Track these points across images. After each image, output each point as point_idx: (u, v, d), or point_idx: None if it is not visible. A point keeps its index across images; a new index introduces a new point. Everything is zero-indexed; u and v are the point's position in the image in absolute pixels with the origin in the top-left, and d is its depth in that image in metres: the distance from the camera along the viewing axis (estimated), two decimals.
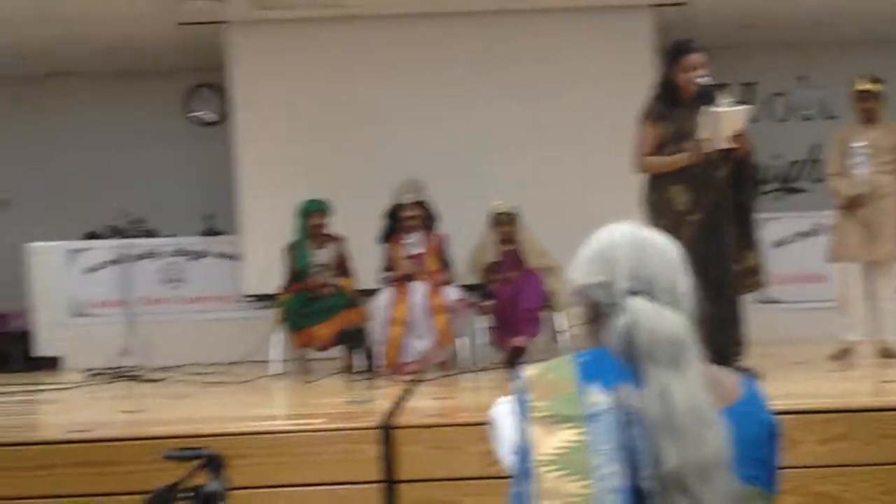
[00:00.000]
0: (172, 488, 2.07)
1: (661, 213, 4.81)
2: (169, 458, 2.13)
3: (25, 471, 3.99)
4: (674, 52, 4.89)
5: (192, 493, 2.09)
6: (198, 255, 7.65)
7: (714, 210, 4.75)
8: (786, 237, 7.37)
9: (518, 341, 6.19)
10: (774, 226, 7.14)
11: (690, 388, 1.65)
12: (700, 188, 4.76)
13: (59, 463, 4.01)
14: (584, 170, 7.19)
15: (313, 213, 6.46)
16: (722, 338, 4.58)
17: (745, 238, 4.93)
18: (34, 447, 4.08)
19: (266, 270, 6.92)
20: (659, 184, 4.90)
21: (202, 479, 2.13)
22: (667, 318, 1.70)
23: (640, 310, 1.70)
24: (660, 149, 4.88)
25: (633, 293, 1.73)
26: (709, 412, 1.65)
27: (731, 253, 4.80)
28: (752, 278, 4.98)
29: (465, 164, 7.24)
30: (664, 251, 1.79)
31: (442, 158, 7.18)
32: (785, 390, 4.46)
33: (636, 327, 1.69)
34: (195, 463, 2.14)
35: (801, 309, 7.14)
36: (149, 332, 7.15)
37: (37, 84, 8.42)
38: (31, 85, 8.43)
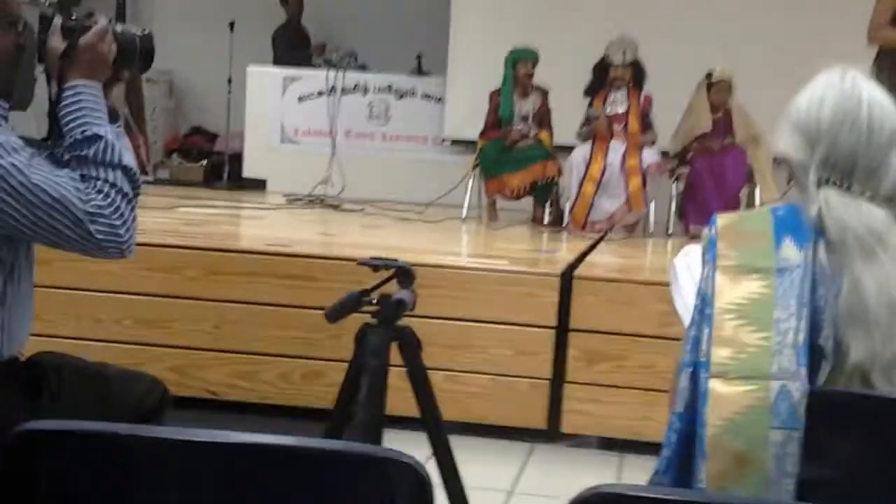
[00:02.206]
0: (364, 293, 2.18)
1: (884, 90, 4.54)
2: (363, 264, 2.23)
3: (228, 275, 4.28)
4: None
5: (381, 300, 2.20)
6: (404, 94, 7.76)
7: None
8: None
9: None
10: None
11: (884, 280, 1.60)
12: None
13: (258, 272, 4.27)
14: (808, 37, 6.79)
15: (522, 62, 6.41)
16: None
17: None
18: (238, 255, 4.35)
19: (468, 115, 6.97)
20: (889, 60, 4.62)
21: (392, 290, 2.23)
22: (859, 212, 1.63)
23: (831, 202, 1.64)
24: None
25: (826, 182, 1.66)
26: None
27: None
28: None
29: (682, 24, 6.99)
30: (875, 126, 1.67)
31: (659, 16, 6.95)
32: None
33: (825, 218, 1.63)
34: (387, 273, 2.23)
35: None
36: (350, 165, 7.38)
37: None
38: None
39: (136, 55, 2.00)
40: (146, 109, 8.43)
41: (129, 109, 8.30)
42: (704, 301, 1.69)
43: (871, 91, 1.72)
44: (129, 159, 1.92)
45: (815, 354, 1.61)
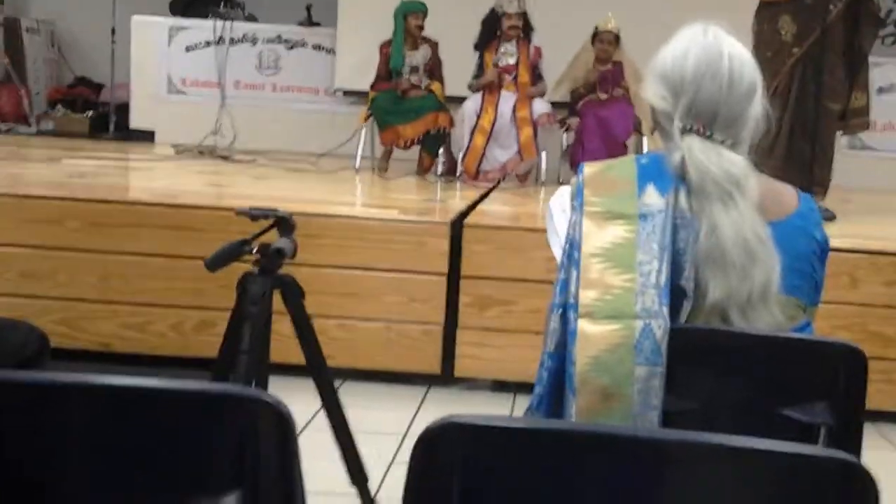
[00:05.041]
0: (244, 242, 2.19)
1: (765, 43, 4.70)
2: (241, 213, 2.24)
3: (114, 227, 4.22)
4: None
5: (261, 249, 2.21)
6: (294, 45, 7.68)
7: (821, 45, 4.61)
8: (893, 85, 7.11)
9: None
10: (883, 71, 6.87)
11: (741, 224, 1.68)
12: (810, 21, 4.61)
13: (145, 223, 4.22)
14: None
15: (412, 14, 6.39)
16: (803, 175, 4.53)
17: (856, 78, 4.80)
18: (123, 206, 4.29)
19: (359, 66, 6.93)
20: (769, 11, 4.76)
21: (272, 238, 2.24)
22: (720, 157, 1.70)
23: (692, 149, 1.71)
24: None
25: (689, 130, 1.73)
26: (758, 248, 1.68)
27: (831, 92, 4.69)
28: (857, 119, 4.88)
29: None
30: (735, 78, 1.74)
31: None
32: (856, 231, 4.42)
33: (687, 164, 1.70)
34: (266, 222, 2.25)
35: (893, 159, 6.96)
36: (240, 116, 7.29)
37: None
38: None
39: None
40: (27, 59, 8.17)
41: (8, 59, 8.04)
42: (572, 245, 1.75)
43: (732, 45, 1.79)
44: None
45: (676, 294, 1.69)
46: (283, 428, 1.03)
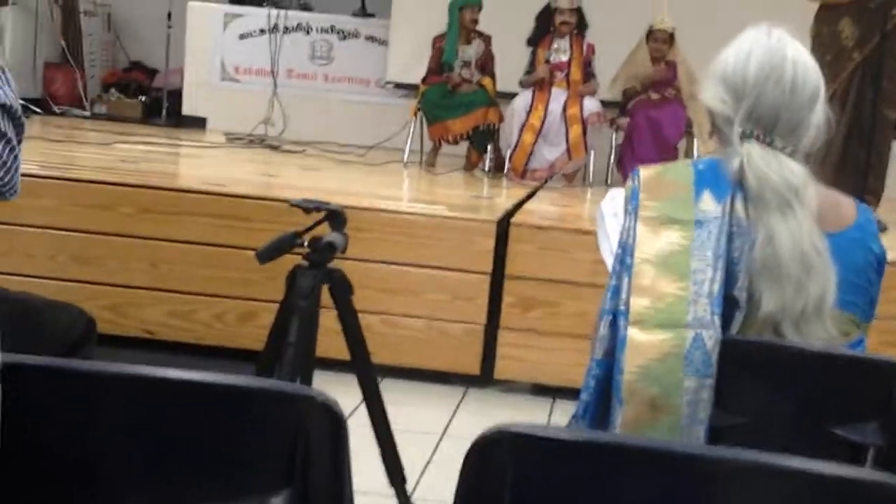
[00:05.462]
0: (295, 235, 2.19)
1: (824, 47, 4.63)
2: (295, 205, 2.24)
3: (164, 214, 4.26)
4: None
5: (312, 242, 2.21)
6: (347, 35, 7.69)
7: (880, 51, 4.54)
8: None
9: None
10: None
11: (798, 234, 1.65)
12: (872, 25, 4.54)
13: (194, 211, 4.25)
14: None
15: (467, 8, 6.38)
16: (856, 183, 4.47)
17: None
18: (173, 193, 4.32)
19: (411, 59, 6.93)
20: (829, 14, 4.69)
21: (323, 232, 2.25)
22: (780, 165, 1.68)
23: (752, 155, 1.68)
24: None
25: (749, 135, 1.70)
26: (815, 260, 1.65)
27: (890, 99, 4.62)
28: None
29: None
30: (798, 84, 1.72)
31: None
32: None
33: (746, 171, 1.68)
34: (318, 215, 2.25)
35: None
36: (291, 105, 7.32)
37: None
38: None
39: None
40: (84, 42, 8.26)
41: (64, 41, 8.14)
42: (625, 251, 1.74)
43: (796, 49, 1.76)
44: (7, 96, 1.85)
45: (729, 304, 1.66)
46: (335, 427, 1.03)
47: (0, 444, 0.99)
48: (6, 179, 1.83)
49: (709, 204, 1.71)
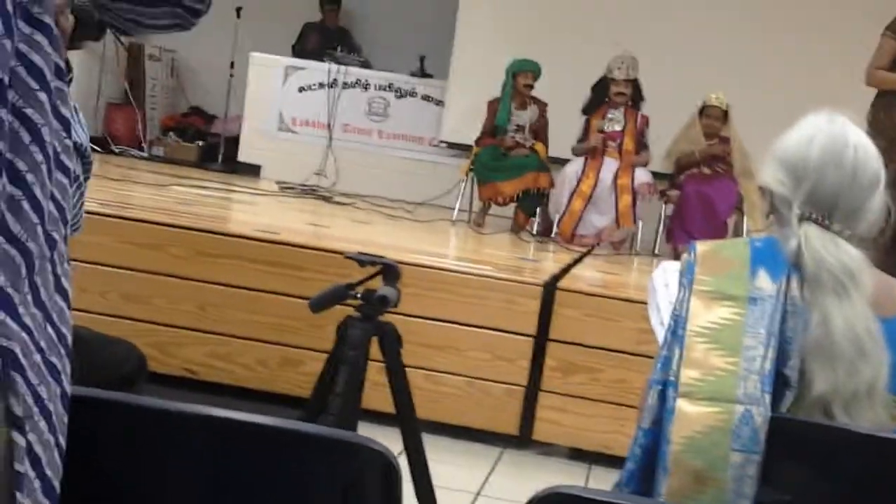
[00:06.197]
0: (350, 286, 2.22)
1: (880, 133, 4.63)
2: (350, 258, 2.27)
3: (214, 257, 4.32)
4: None
5: (366, 295, 2.24)
6: (405, 94, 7.81)
7: None
8: None
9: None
10: None
11: (853, 318, 1.65)
12: None
13: (245, 256, 4.31)
14: (809, 72, 6.87)
15: (523, 73, 6.46)
16: None
17: None
18: (225, 237, 4.39)
19: (466, 120, 7.02)
20: (886, 101, 4.71)
21: (376, 285, 2.27)
22: (837, 249, 1.68)
23: (810, 237, 1.69)
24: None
25: (808, 218, 1.72)
26: (869, 344, 1.65)
27: None
28: None
29: (683, 49, 7.06)
30: (859, 169, 1.73)
31: (660, 39, 7.02)
32: None
33: (804, 253, 1.69)
34: (373, 269, 2.28)
35: None
36: (345, 158, 7.42)
37: None
38: None
39: (93, 25, 1.99)
40: (146, 85, 8.46)
41: (127, 83, 8.34)
42: (678, 322, 1.74)
43: (858, 135, 1.78)
44: (79, 135, 1.89)
45: (780, 382, 1.66)
46: (389, 477, 1.04)
47: (67, 475, 1.02)
48: (74, 219, 1.88)
49: (764, 282, 1.72)
